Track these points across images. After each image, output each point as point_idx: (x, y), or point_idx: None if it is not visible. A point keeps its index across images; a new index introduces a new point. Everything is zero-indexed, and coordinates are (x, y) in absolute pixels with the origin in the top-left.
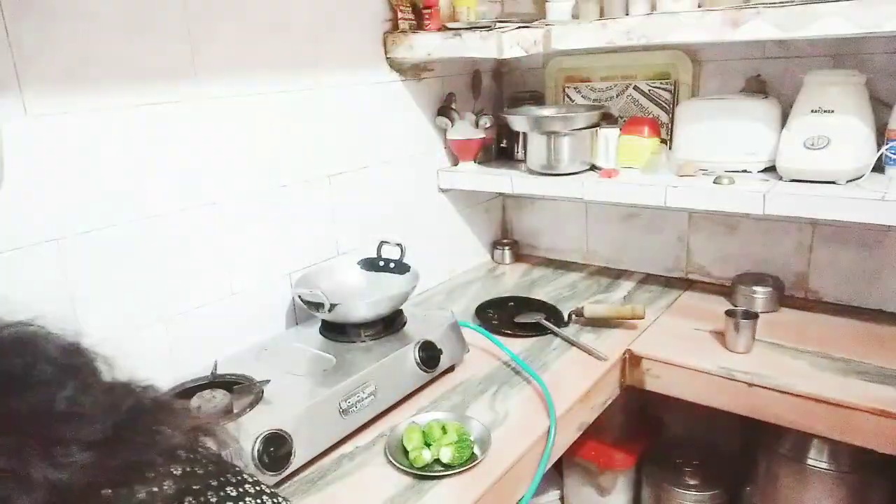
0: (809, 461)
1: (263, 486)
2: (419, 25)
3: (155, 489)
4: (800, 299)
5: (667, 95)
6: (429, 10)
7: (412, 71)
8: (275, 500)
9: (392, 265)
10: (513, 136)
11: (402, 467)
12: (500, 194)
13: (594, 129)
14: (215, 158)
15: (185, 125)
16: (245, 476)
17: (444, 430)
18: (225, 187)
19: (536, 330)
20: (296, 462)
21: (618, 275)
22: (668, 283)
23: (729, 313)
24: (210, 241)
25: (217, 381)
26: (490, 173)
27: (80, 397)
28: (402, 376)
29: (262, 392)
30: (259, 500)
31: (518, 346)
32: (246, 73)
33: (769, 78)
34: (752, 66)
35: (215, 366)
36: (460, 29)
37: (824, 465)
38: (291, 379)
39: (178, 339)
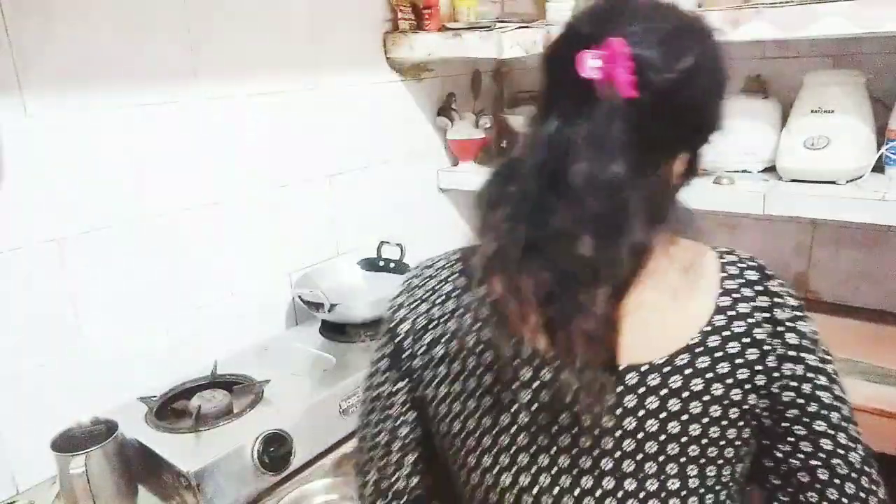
0: None
1: None
2: (419, 25)
3: None
4: (800, 299)
5: None
6: (429, 10)
7: (412, 71)
8: None
9: (392, 265)
10: (513, 136)
11: None
12: None
13: None
14: (215, 158)
15: (185, 125)
16: None
17: None
18: (225, 187)
19: None
20: (296, 462)
21: None
22: None
23: None
24: (210, 242)
25: (217, 381)
26: None
27: None
28: None
29: (262, 392)
30: None
31: None
32: (246, 73)
33: (769, 78)
34: (752, 66)
35: (215, 366)
36: (460, 29)
37: None
38: (291, 379)
39: (178, 339)
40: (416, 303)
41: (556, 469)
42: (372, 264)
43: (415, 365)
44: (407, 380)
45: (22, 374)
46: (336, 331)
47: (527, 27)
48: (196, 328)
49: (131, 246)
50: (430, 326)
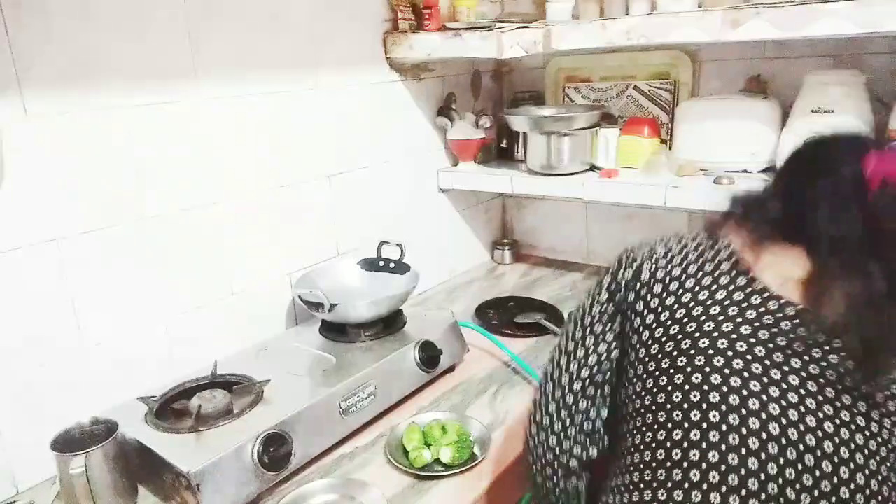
0: None
1: None
2: (419, 25)
3: None
4: None
5: (667, 95)
6: (429, 10)
7: (412, 71)
8: None
9: (392, 265)
10: (513, 136)
11: (402, 467)
12: (500, 194)
13: (594, 129)
14: (215, 158)
15: (185, 125)
16: None
17: (444, 430)
18: (225, 187)
19: (536, 330)
20: (296, 462)
21: None
22: None
23: None
24: (210, 242)
25: (217, 381)
26: (490, 173)
27: None
28: (402, 376)
29: (262, 392)
30: None
31: (518, 346)
32: (246, 72)
33: (769, 78)
34: (752, 66)
35: (215, 366)
36: (460, 29)
37: None
38: (291, 379)
39: (178, 339)
40: (661, 259)
41: (839, 438)
42: (372, 264)
43: (639, 307)
44: (620, 317)
45: (22, 374)
46: (336, 331)
47: (527, 27)
48: (196, 328)
49: (131, 246)
50: (667, 280)
